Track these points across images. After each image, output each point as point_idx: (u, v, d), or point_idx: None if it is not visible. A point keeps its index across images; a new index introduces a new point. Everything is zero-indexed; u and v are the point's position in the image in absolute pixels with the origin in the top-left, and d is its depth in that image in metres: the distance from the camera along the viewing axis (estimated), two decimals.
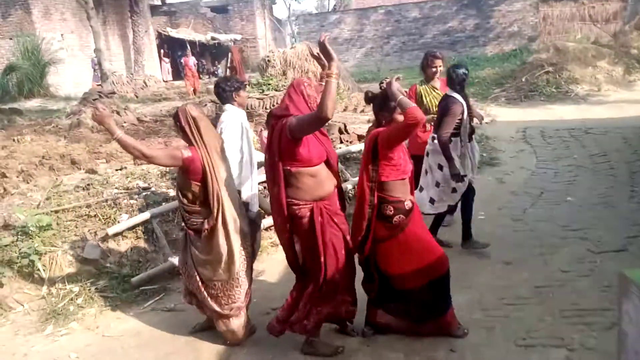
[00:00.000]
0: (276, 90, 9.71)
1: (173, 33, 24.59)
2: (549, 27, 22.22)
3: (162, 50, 22.71)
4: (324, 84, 2.83)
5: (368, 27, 23.67)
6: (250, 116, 8.85)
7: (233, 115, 3.83)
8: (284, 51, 12.62)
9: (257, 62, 15.45)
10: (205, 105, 9.80)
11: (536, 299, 3.69)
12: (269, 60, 12.23)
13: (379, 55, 23.44)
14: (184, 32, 24.96)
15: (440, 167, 4.31)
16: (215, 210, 3.15)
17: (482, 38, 22.53)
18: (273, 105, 8.78)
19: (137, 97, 16.36)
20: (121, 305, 4.07)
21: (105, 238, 4.63)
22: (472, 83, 14.48)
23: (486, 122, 9.70)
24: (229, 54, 24.81)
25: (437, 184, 4.38)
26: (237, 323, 3.40)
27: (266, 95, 9.34)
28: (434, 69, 4.90)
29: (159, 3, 25.79)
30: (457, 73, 4.22)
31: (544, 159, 7.27)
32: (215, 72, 25.66)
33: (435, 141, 4.30)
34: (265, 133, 5.58)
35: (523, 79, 12.81)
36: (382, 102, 3.12)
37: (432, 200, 4.40)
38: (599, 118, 9.16)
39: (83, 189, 5.45)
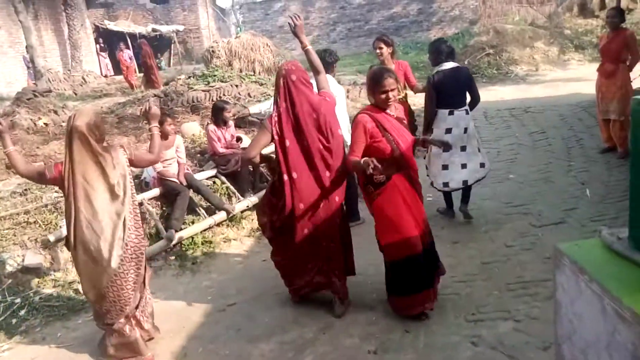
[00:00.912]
0: (222, 82, 9.50)
1: (111, 26, 23.57)
2: (489, 10, 22.81)
3: (98, 45, 21.72)
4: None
5: (314, 15, 23.57)
6: (196, 109, 8.66)
7: None
8: (228, 41, 12.38)
9: (202, 53, 15.08)
10: (148, 100, 9.48)
11: (483, 275, 3.83)
12: (213, 51, 11.98)
13: (325, 43, 23.39)
14: (123, 25, 23.99)
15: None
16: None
17: (425, 23, 22.91)
18: (219, 97, 8.59)
19: (75, 94, 15.64)
20: (68, 313, 3.92)
21: (46, 245, 4.43)
22: (417, 68, 14.76)
23: None
24: (171, 46, 24.14)
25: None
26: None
27: (212, 87, 9.13)
28: (377, 51, 5.35)
29: None
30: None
31: (486, 138, 7.50)
32: (159, 65, 24.87)
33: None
34: (211, 127, 5.50)
35: (465, 62, 13.13)
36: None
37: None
38: (537, 97, 9.54)
39: (20, 194, 5.18)
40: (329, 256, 3.43)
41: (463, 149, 4.56)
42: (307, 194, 3.27)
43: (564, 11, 15.78)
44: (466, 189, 4.72)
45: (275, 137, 3.26)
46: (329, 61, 4.63)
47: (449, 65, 4.49)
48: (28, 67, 16.91)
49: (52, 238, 4.39)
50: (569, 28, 14.70)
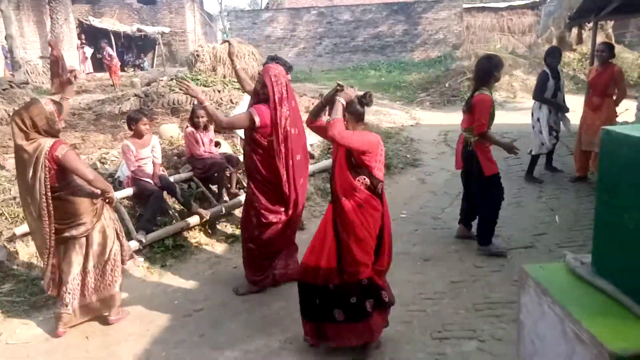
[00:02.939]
0: (205, 86, 9.45)
1: (96, 22, 23.31)
2: (472, 36, 23.43)
3: (80, 41, 21.42)
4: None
5: (301, 27, 23.74)
6: (176, 112, 8.59)
7: None
8: (214, 46, 12.34)
9: (186, 56, 14.98)
10: (129, 99, 9.37)
11: (452, 294, 3.87)
12: (198, 55, 11.90)
13: (311, 56, 23.59)
14: (107, 22, 23.74)
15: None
16: None
17: (410, 44, 23.32)
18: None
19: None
20: (29, 310, 3.81)
21: (12, 238, 4.30)
22: (399, 87, 14.99)
23: (410, 125, 10.08)
24: (155, 47, 23.95)
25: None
26: None
27: None
28: None
29: None
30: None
31: None
32: (141, 65, 24.65)
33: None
34: (190, 129, 5.46)
35: (446, 84, 13.42)
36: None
37: None
38: (514, 123, 9.75)
39: None
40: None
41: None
42: (303, 171, 3.89)
43: (544, 42, 16.27)
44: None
45: (284, 128, 3.63)
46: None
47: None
48: (6, 57, 16.54)
49: (18, 231, 4.27)
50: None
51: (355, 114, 3.02)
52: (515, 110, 11.27)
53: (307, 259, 3.06)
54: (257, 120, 3.59)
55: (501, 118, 10.40)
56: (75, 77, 3.86)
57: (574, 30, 14.38)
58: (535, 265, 1.75)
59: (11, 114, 8.59)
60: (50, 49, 13.68)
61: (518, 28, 22.98)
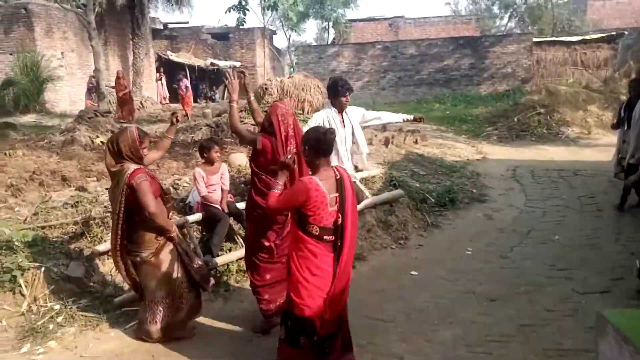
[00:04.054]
0: None
1: (173, 57, 24.89)
2: (542, 70, 22.75)
3: (158, 74, 22.92)
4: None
5: (365, 61, 24.09)
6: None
7: None
8: (281, 80, 12.80)
9: (255, 89, 15.63)
10: (201, 129, 9.86)
11: (520, 337, 3.68)
12: (266, 88, 12.39)
13: (375, 89, 23.80)
14: (184, 57, 25.27)
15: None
16: None
17: (476, 77, 22.99)
18: None
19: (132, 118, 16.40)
20: (102, 325, 4.01)
21: (90, 257, 4.59)
22: (465, 121, 14.75)
23: (477, 159, 9.85)
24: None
25: None
26: None
27: None
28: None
29: (161, 27, 26.19)
30: None
31: (533, 197, 7.34)
32: (213, 97, 25.89)
33: None
34: None
35: (515, 119, 13.04)
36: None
37: None
38: (588, 160, 9.31)
39: (72, 206, 5.42)
40: None
41: None
42: None
43: (621, 77, 15.50)
44: None
45: (294, 157, 3.50)
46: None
47: None
48: (89, 89, 17.93)
49: (97, 250, 4.55)
50: (624, 94, 14.38)
51: (313, 148, 3.03)
52: (589, 147, 10.76)
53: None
54: (259, 141, 3.66)
55: (575, 154, 10.02)
56: (177, 119, 4.12)
57: None
58: (615, 310, 1.65)
59: (94, 139, 9.30)
60: (117, 78, 14.72)
61: (592, 62, 22.08)
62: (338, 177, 3.02)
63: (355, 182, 4.85)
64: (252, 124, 6.48)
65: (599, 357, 1.63)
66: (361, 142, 4.62)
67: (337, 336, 3.13)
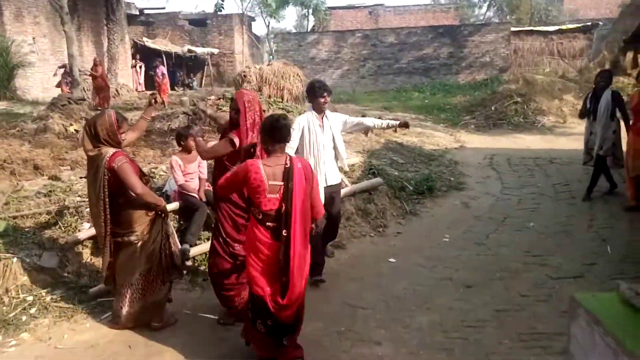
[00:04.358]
0: None
1: (149, 43, 24.39)
2: (520, 60, 23.03)
3: (134, 60, 22.44)
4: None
5: (345, 50, 24.01)
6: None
7: None
8: (260, 67, 12.66)
9: (233, 76, 15.44)
10: (178, 116, 9.70)
11: (495, 322, 3.75)
12: (244, 76, 12.23)
13: (354, 77, 23.77)
14: (160, 43, 24.79)
15: None
16: None
17: (455, 66, 23.13)
18: None
19: (107, 105, 16.07)
20: (77, 316, 3.94)
21: (65, 247, 4.50)
22: (443, 109, 14.86)
23: (455, 148, 9.94)
24: (204, 67, 24.75)
25: None
26: None
27: None
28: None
29: (137, 12, 25.61)
30: None
31: (508, 185, 7.45)
32: (190, 85, 25.51)
33: None
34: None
35: (492, 108, 13.19)
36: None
37: None
38: (563, 149, 9.47)
39: (45, 195, 5.30)
40: None
41: None
42: None
43: (595, 67, 15.78)
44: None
45: (252, 141, 3.55)
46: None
47: None
48: (62, 75, 17.44)
49: (77, 238, 4.47)
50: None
51: (267, 134, 3.08)
52: (564, 135, 10.95)
53: None
54: (237, 140, 3.58)
55: (550, 143, 10.19)
56: (155, 100, 4.04)
57: (629, 54, 13.91)
58: (586, 294, 1.69)
59: (68, 127, 9.08)
60: (94, 65, 14.39)
61: (568, 52, 22.45)
62: (287, 166, 3.00)
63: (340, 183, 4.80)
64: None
65: (571, 339, 1.66)
66: (341, 150, 4.54)
67: (295, 332, 3.18)
